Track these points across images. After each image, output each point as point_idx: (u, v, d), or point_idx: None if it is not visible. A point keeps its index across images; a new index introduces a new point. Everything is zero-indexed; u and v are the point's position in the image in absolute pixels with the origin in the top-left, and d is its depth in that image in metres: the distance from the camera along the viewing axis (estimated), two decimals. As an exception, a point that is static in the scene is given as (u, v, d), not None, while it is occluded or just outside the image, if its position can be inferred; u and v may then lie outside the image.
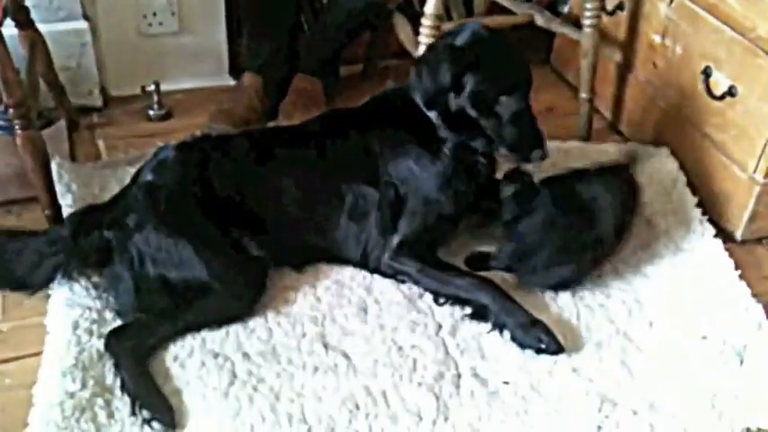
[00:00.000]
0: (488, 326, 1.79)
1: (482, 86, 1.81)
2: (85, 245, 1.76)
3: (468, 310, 1.83)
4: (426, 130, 1.91)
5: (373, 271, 1.92)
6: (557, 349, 1.74)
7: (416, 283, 1.88)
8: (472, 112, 1.84)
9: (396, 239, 1.89)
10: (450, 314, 1.83)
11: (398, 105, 1.96)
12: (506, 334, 1.78)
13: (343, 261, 1.94)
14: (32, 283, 1.77)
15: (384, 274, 1.91)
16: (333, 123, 2.01)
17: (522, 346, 1.76)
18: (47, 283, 1.78)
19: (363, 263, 1.93)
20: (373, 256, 1.91)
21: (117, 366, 1.63)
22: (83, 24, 2.43)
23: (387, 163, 1.90)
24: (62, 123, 2.39)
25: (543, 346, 1.74)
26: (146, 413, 1.56)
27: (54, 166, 2.08)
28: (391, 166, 1.90)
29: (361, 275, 1.92)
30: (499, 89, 1.82)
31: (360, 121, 1.98)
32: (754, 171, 2.10)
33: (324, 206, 1.90)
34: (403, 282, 1.90)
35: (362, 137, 1.93)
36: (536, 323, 1.77)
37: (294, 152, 1.93)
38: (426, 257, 1.89)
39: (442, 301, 1.86)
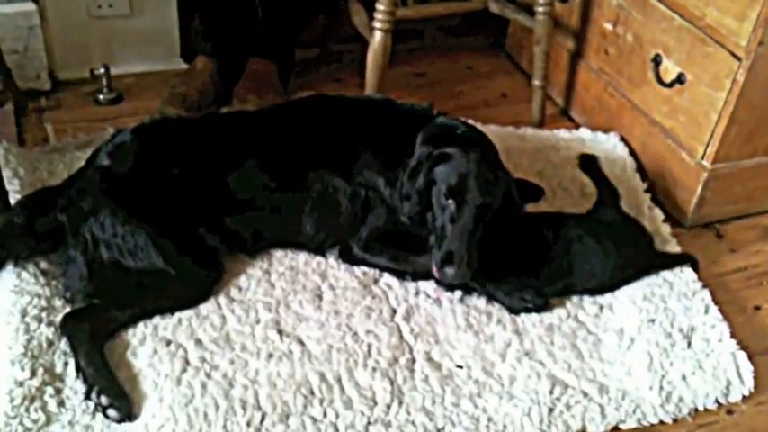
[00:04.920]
0: (441, 311, 1.81)
1: (440, 177, 1.77)
2: (39, 228, 1.74)
3: None
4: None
5: (341, 258, 1.92)
6: (542, 306, 1.82)
7: (389, 270, 1.89)
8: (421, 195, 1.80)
9: (365, 233, 1.89)
10: (404, 299, 1.84)
11: (398, 123, 1.97)
12: (460, 317, 1.80)
13: (299, 246, 1.93)
14: None
15: (351, 263, 1.91)
16: (314, 110, 2.00)
17: (511, 309, 1.82)
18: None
19: (320, 249, 1.93)
20: (339, 245, 1.92)
21: (73, 349, 1.61)
22: (31, 6, 2.38)
23: (364, 166, 1.89)
24: (9, 107, 2.34)
25: (530, 306, 1.82)
26: (104, 400, 1.53)
27: (1, 151, 2.05)
28: (366, 170, 1.89)
29: (316, 261, 1.92)
30: (452, 191, 1.76)
31: (354, 117, 1.97)
32: (702, 157, 2.14)
33: (288, 192, 1.88)
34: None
35: (351, 133, 1.92)
36: (518, 286, 1.83)
37: (261, 137, 1.91)
38: (395, 245, 1.90)
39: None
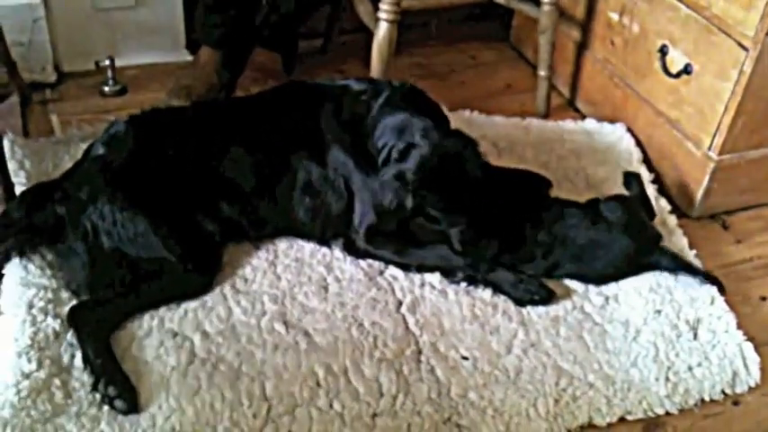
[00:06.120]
0: (446, 303, 1.81)
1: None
2: (39, 221, 1.74)
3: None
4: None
5: (345, 251, 1.92)
6: (548, 297, 1.82)
7: (395, 263, 1.89)
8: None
9: (363, 224, 1.89)
10: (410, 290, 1.84)
11: (356, 102, 1.96)
12: (465, 309, 1.80)
13: (300, 235, 1.93)
14: None
15: (356, 256, 1.91)
16: (290, 96, 2.01)
17: (517, 300, 1.82)
18: (2, 264, 1.75)
19: (323, 239, 1.93)
20: (340, 237, 1.92)
21: (80, 341, 1.61)
22: (35, -1, 2.38)
23: (331, 152, 1.89)
24: (14, 99, 2.34)
25: (536, 297, 1.82)
26: (111, 391, 1.53)
27: (6, 143, 2.05)
28: (333, 156, 1.89)
29: (321, 253, 1.92)
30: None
31: (317, 100, 1.97)
32: (709, 148, 2.13)
33: (277, 178, 1.89)
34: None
35: (316, 116, 1.93)
36: (523, 278, 1.83)
37: (247, 123, 1.92)
38: (398, 238, 1.90)
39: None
